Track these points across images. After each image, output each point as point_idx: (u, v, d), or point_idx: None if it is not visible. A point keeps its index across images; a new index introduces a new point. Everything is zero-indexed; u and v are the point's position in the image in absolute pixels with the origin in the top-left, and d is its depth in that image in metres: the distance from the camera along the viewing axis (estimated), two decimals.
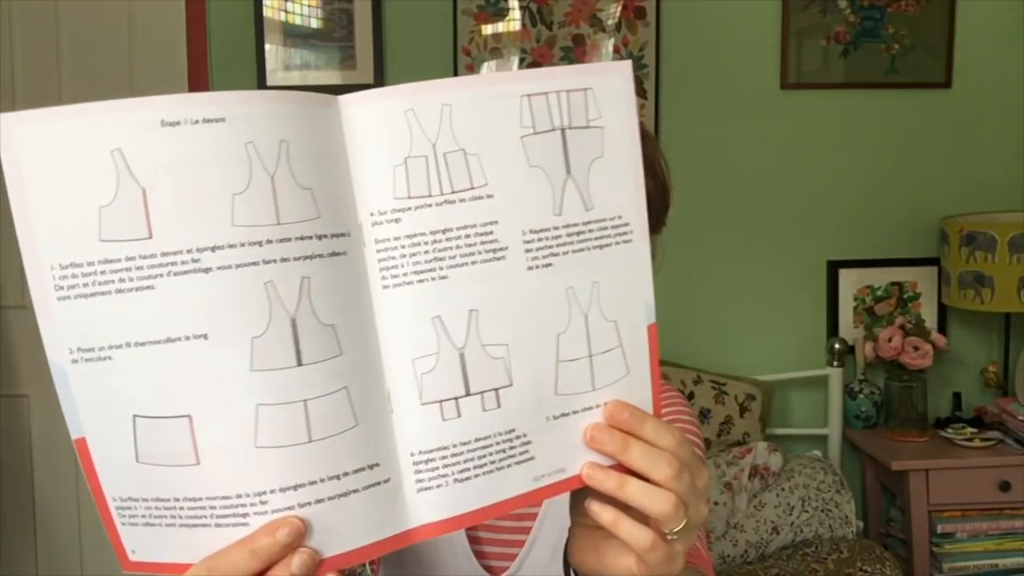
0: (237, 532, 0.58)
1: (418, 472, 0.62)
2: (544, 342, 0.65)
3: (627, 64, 0.66)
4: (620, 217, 0.66)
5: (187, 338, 0.55)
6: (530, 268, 0.64)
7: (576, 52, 2.52)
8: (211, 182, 0.55)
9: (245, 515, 0.58)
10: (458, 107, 0.61)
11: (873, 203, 2.59)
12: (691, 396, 2.43)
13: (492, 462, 0.63)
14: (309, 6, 2.51)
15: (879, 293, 2.59)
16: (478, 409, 0.63)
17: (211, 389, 0.56)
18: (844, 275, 2.58)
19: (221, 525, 0.58)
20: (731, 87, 2.56)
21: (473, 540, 1.12)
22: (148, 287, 0.55)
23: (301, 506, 0.58)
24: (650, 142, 0.99)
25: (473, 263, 0.62)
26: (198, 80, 2.54)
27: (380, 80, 2.51)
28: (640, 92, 2.52)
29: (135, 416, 0.57)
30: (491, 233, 0.62)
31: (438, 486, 0.62)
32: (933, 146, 2.59)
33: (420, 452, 0.62)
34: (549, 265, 0.64)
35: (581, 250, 0.65)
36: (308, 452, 0.58)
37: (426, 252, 0.60)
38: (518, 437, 0.64)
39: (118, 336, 0.56)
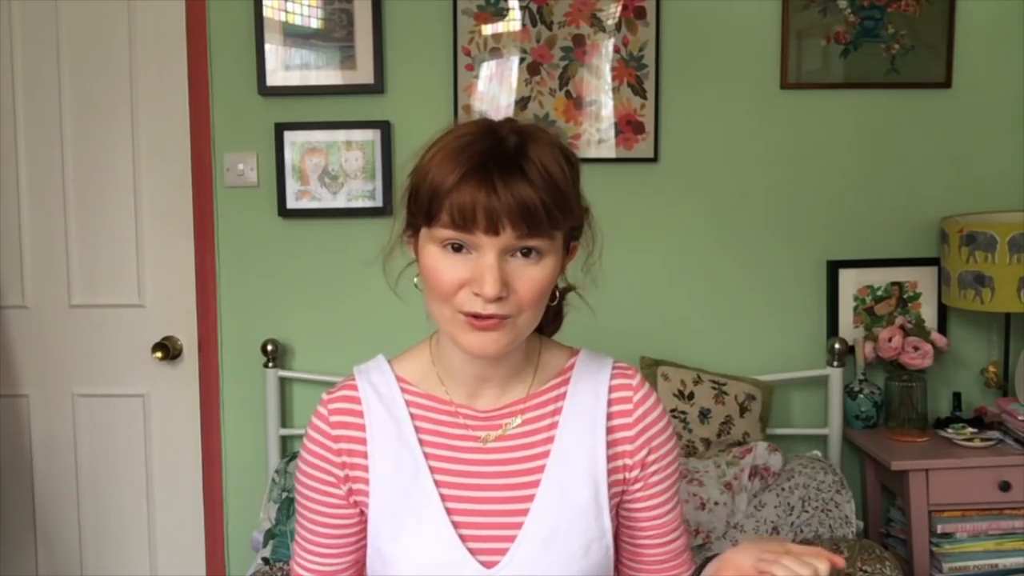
0: None
1: None
2: None
3: None
4: None
5: None
6: None
7: (576, 52, 2.52)
8: None
9: None
10: None
11: (873, 203, 2.59)
12: (691, 396, 2.43)
13: None
14: (309, 6, 2.51)
15: (879, 293, 2.60)
16: None
17: None
18: (844, 275, 2.58)
19: None
20: (731, 87, 2.56)
21: (464, 537, 1.13)
22: None
23: None
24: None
25: None
26: (198, 80, 2.55)
27: (380, 80, 2.51)
28: (640, 92, 2.52)
29: None
30: None
31: None
32: (933, 146, 2.59)
33: None
34: None
35: None
36: None
37: None
38: None
39: None
